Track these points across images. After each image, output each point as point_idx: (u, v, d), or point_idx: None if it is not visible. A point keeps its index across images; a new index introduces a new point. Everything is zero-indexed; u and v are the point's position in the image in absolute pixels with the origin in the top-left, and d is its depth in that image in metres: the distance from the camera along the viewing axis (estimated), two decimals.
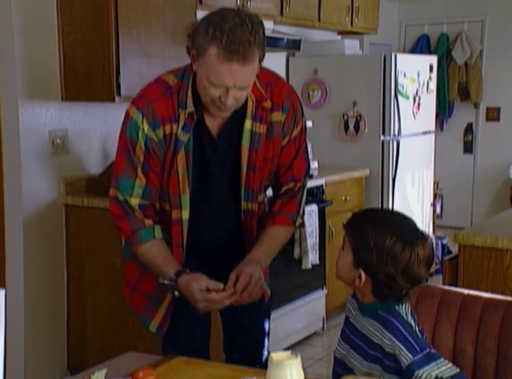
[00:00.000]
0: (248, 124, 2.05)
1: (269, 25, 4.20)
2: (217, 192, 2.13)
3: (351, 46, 4.98)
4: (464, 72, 6.94)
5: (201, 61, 1.90)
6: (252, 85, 2.00)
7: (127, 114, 2.05)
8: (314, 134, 4.69)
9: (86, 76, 3.24)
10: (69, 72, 3.29)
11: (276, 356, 1.46)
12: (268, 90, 2.07)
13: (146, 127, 2.00)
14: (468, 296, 1.84)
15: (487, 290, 2.03)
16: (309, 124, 4.59)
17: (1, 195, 3.27)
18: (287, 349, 3.86)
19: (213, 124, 2.06)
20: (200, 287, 1.96)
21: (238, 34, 1.83)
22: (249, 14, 1.92)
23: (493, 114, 7.01)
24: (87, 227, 3.37)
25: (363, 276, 1.65)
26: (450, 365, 1.57)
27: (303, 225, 2.28)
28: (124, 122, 2.06)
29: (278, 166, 2.15)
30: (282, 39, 4.43)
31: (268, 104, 2.06)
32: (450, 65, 6.96)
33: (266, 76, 2.09)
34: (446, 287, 1.97)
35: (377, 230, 1.62)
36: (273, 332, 3.75)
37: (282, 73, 4.90)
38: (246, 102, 2.03)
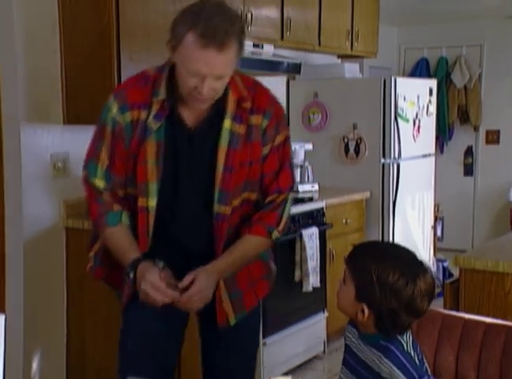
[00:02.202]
0: (227, 123, 2.04)
1: (269, 49, 4.23)
2: (189, 188, 2.09)
3: (351, 69, 5.01)
4: (463, 95, 6.98)
5: (179, 50, 1.92)
6: (233, 83, 2.02)
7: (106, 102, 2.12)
8: (315, 157, 4.71)
9: (87, 99, 3.25)
10: (71, 95, 3.31)
11: None
12: (250, 93, 2.07)
13: (115, 110, 2.06)
14: (470, 321, 1.83)
15: (488, 315, 2.03)
16: (309, 147, 4.62)
17: (1, 218, 3.27)
18: (287, 373, 3.84)
19: (191, 117, 2.06)
20: (151, 279, 1.94)
21: (215, 21, 1.85)
22: (228, 7, 1.93)
23: (493, 137, 7.03)
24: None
25: (366, 311, 1.64)
26: None
27: (278, 239, 2.23)
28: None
29: (263, 177, 2.12)
30: (282, 62, 4.46)
31: (247, 105, 2.06)
32: (450, 89, 7.00)
33: (248, 80, 2.12)
34: (447, 312, 1.97)
35: (379, 266, 1.60)
36: (273, 356, 3.75)
37: (282, 97, 4.92)
38: (226, 102, 2.04)
